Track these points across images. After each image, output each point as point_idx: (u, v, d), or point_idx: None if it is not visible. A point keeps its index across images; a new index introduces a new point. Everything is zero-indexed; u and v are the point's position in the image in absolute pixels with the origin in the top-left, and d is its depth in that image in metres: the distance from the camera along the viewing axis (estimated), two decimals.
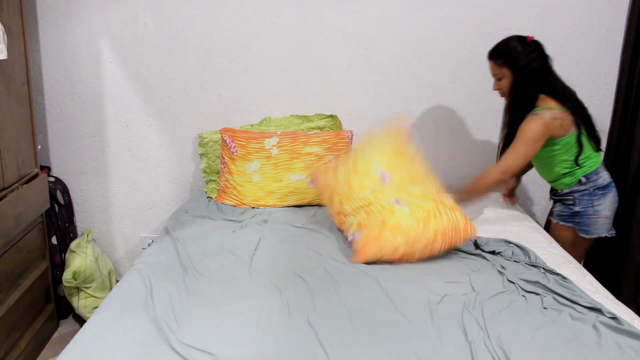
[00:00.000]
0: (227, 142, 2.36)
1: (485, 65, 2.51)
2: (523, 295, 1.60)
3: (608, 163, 2.59)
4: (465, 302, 1.54)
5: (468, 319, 1.46)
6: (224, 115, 2.55)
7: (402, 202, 1.89)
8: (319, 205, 2.34)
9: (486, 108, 2.56)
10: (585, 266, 2.70)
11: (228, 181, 2.36)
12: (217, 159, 2.51)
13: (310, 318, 1.44)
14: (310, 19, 2.43)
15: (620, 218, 2.57)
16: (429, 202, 1.89)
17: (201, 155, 2.51)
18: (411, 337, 1.37)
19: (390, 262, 1.81)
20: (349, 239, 1.92)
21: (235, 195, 2.34)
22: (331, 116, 2.52)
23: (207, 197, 2.42)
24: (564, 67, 2.50)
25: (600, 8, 2.42)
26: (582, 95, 2.54)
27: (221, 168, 2.42)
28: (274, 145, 2.34)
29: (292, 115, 2.54)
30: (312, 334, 1.37)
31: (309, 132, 2.42)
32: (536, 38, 2.47)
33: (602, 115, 2.57)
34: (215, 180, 2.51)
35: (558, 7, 2.42)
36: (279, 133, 2.38)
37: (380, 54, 2.48)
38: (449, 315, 1.48)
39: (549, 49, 2.49)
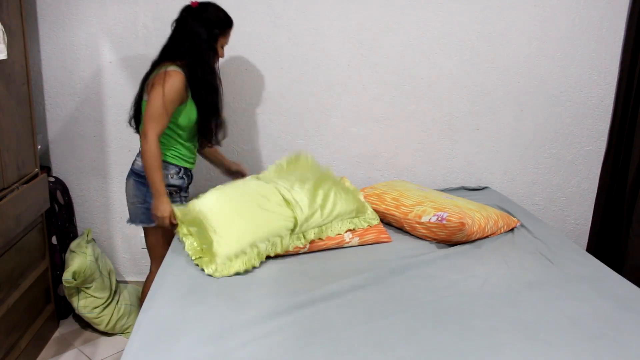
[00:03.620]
0: None
1: (485, 65, 2.52)
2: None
3: (608, 163, 2.59)
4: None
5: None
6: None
7: (455, 198, 2.12)
8: None
9: (486, 108, 2.56)
10: None
11: None
12: None
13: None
14: (310, 19, 2.43)
15: (620, 218, 2.57)
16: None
17: None
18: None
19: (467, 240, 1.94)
20: (430, 219, 1.93)
21: None
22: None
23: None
24: (564, 67, 2.52)
25: (600, 8, 2.42)
26: (582, 95, 2.55)
27: None
28: None
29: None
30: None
31: None
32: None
33: (602, 116, 2.57)
34: None
35: (558, 7, 2.42)
36: None
37: (380, 54, 2.47)
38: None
39: (549, 49, 2.50)
